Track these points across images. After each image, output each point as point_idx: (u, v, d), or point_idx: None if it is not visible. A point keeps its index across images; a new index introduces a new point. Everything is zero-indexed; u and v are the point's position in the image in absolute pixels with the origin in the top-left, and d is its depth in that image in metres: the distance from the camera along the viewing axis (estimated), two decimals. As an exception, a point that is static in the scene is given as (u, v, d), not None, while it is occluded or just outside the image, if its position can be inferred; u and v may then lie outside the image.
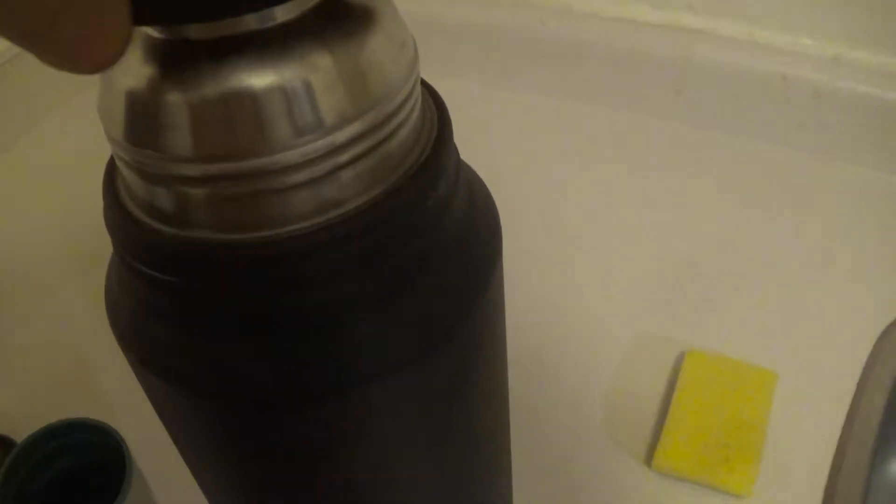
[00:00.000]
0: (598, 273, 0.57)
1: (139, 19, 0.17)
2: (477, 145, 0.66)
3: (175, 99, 0.19)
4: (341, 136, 0.20)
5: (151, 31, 0.20)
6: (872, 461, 0.47)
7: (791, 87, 0.62)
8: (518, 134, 0.68)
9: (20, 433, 0.43)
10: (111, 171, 0.23)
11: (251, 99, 0.19)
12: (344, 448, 0.24)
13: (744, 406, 0.47)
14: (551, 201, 0.62)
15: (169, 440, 0.28)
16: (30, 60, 0.20)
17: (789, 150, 0.64)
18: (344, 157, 0.20)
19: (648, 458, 0.47)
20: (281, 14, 0.19)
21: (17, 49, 0.19)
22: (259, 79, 0.19)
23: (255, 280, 0.21)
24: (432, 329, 0.23)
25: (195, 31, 0.19)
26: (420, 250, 0.23)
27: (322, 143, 0.20)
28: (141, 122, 0.20)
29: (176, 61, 0.19)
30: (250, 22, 0.19)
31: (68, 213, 0.63)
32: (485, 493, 0.33)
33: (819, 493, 0.45)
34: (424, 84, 0.25)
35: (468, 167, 0.27)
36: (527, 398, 0.49)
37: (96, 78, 0.20)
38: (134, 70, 0.20)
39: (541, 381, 0.51)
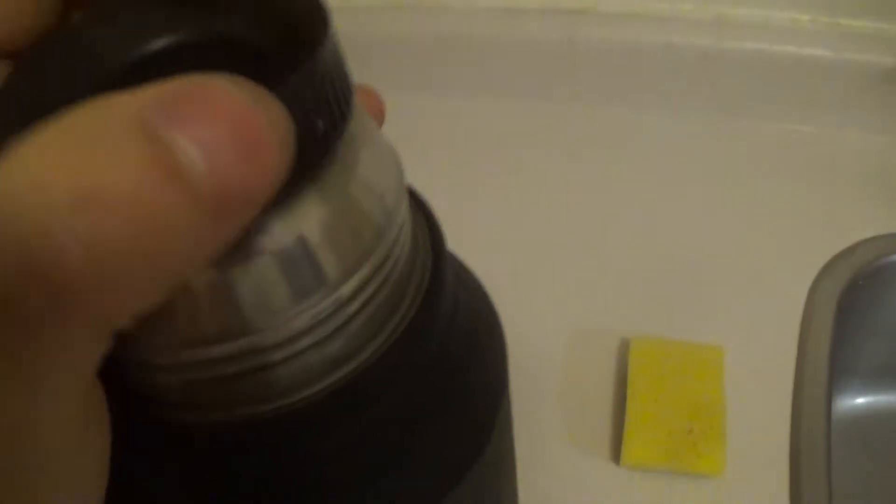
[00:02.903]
0: (523, 270, 0.56)
1: None
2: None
3: None
4: (347, 288, 0.18)
5: None
6: (828, 408, 0.48)
7: (678, 53, 0.62)
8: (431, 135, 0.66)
9: None
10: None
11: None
12: None
13: (698, 386, 0.47)
14: (456, 196, 0.61)
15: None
16: None
17: (684, 115, 0.64)
18: (352, 309, 0.18)
19: (614, 455, 0.47)
20: None
21: None
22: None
23: (263, 457, 0.19)
24: (444, 474, 0.22)
25: None
26: (430, 389, 0.21)
27: (328, 302, 0.18)
28: None
29: None
30: None
31: None
32: None
33: (785, 453, 0.46)
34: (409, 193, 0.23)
35: (461, 268, 0.26)
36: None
37: None
38: None
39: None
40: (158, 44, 0.18)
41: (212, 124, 0.13)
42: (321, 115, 0.16)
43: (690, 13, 0.63)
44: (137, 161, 0.12)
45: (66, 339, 0.12)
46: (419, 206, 0.23)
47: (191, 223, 0.13)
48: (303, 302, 0.17)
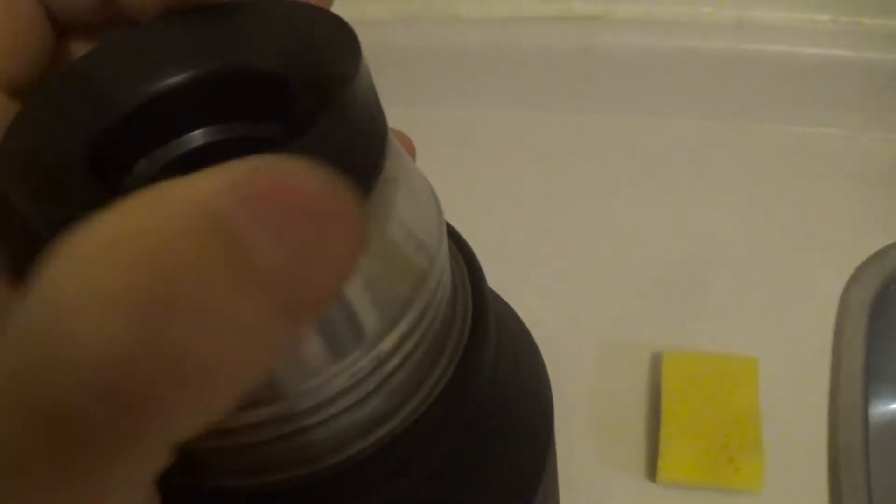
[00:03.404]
0: (547, 284, 0.55)
1: None
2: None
3: None
4: (387, 343, 0.17)
5: None
6: (865, 417, 0.47)
7: (698, 57, 0.61)
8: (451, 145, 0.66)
9: None
10: None
11: None
12: None
13: (733, 399, 0.46)
14: (474, 210, 0.60)
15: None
16: None
17: (706, 121, 0.63)
18: (391, 365, 0.17)
19: (650, 472, 0.46)
20: None
21: None
22: None
23: None
24: None
25: None
26: (474, 445, 0.20)
27: (367, 360, 0.16)
28: None
29: None
30: None
31: None
32: None
33: (823, 465, 0.45)
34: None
35: (499, 302, 0.24)
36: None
37: None
38: None
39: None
40: (174, 79, 0.17)
41: (291, 219, 0.11)
42: (357, 154, 0.16)
43: (709, 17, 0.62)
44: (211, 261, 0.11)
45: (132, 455, 0.12)
46: (457, 244, 0.21)
47: (270, 326, 0.12)
48: (340, 361, 0.16)
